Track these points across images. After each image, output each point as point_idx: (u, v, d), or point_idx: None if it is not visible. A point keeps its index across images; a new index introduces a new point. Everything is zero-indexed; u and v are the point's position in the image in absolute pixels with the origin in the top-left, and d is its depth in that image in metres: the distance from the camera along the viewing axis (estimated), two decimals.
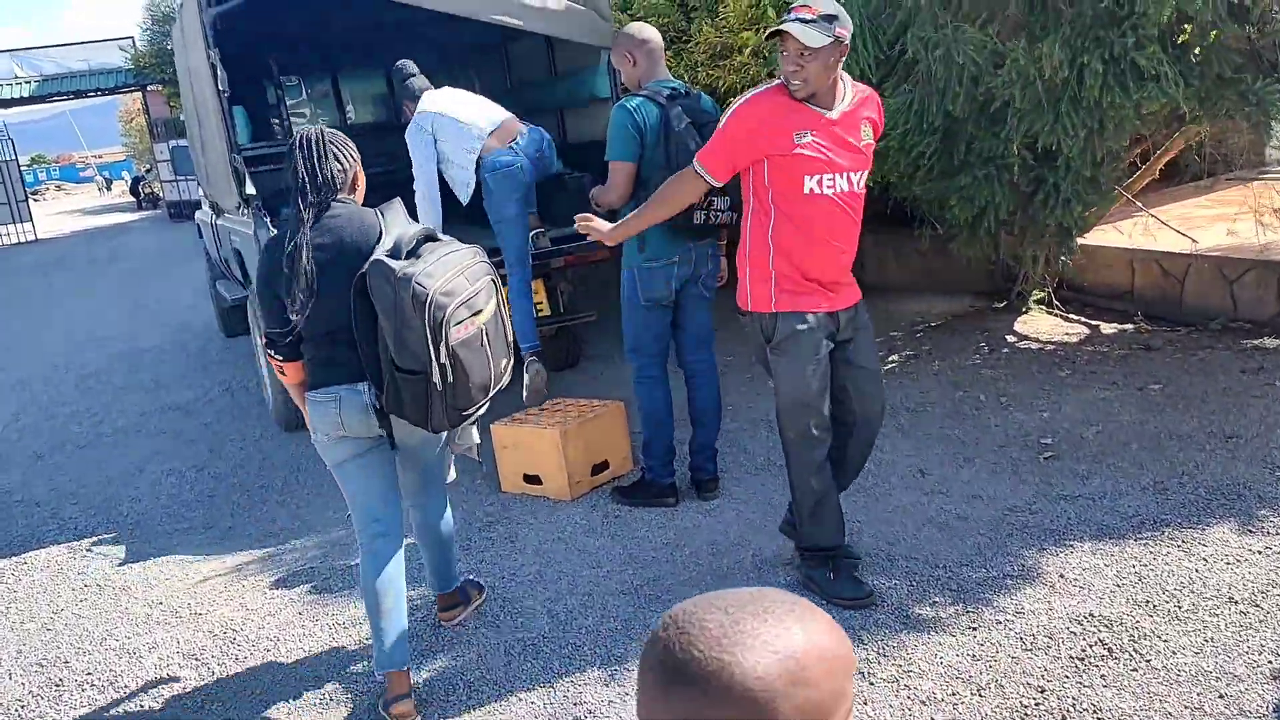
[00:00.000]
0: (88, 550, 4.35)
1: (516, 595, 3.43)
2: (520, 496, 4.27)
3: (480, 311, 2.67)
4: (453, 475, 3.18)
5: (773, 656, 0.83)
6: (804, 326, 2.95)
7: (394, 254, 2.61)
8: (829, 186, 2.89)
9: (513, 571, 3.61)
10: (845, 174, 2.90)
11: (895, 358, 5.49)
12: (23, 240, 21.82)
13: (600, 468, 4.27)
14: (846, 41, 2.78)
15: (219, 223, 6.17)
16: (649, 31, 3.81)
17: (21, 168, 24.65)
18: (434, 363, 2.55)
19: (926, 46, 3.97)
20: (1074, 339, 5.41)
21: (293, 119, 6.98)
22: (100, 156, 54.13)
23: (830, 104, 2.87)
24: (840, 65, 2.83)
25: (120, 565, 4.15)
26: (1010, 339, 5.56)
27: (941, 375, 5.07)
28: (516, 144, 4.54)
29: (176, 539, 4.35)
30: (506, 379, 2.84)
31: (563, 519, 3.99)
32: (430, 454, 3.01)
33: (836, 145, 2.88)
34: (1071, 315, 5.82)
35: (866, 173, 2.98)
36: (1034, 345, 5.38)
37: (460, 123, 4.50)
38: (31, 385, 7.56)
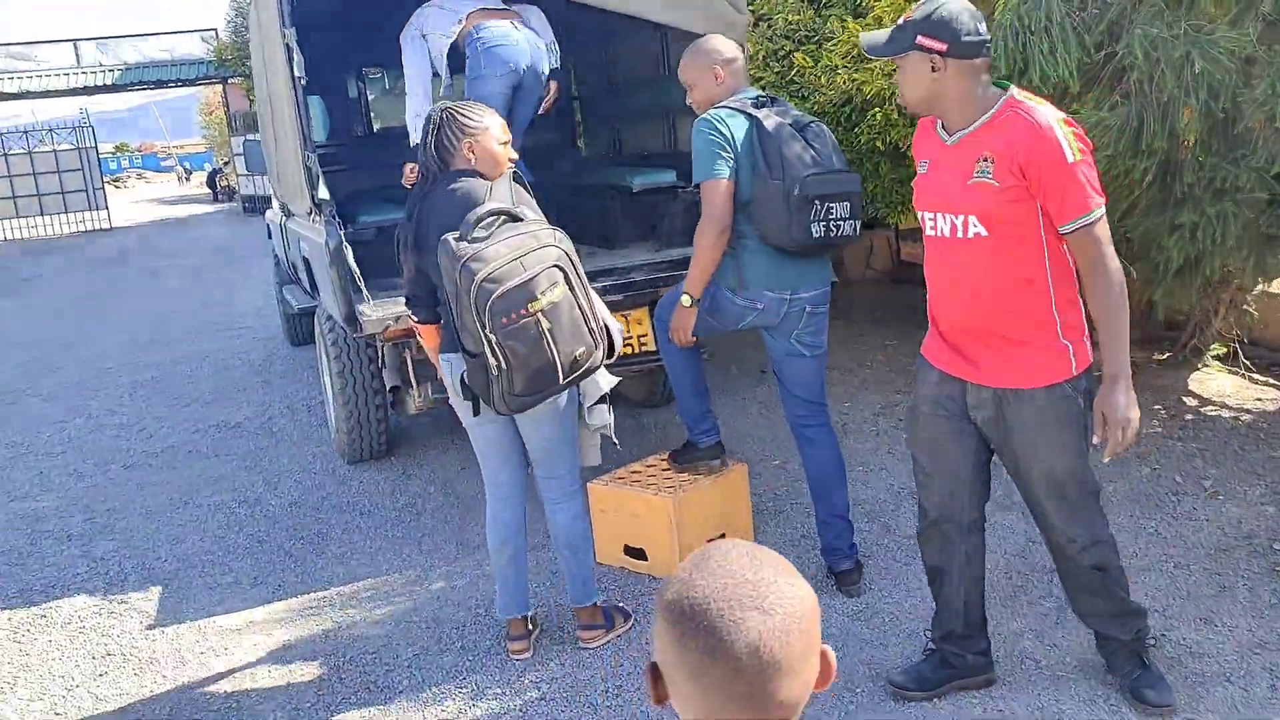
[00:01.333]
0: (117, 604, 3.75)
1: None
2: (619, 571, 3.58)
3: (536, 299, 2.62)
4: (596, 459, 3.17)
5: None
6: (921, 373, 2.66)
7: (463, 232, 2.63)
8: (932, 226, 2.50)
9: (585, 680, 2.91)
10: (945, 215, 2.44)
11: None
12: (98, 227, 21.86)
13: None
14: (938, 50, 2.31)
15: (288, 225, 5.59)
16: (734, 49, 3.31)
17: (103, 155, 24.93)
18: (484, 347, 2.61)
19: (1153, 49, 3.19)
20: (1271, 405, 4.56)
21: (373, 116, 6.40)
22: (181, 147, 55.07)
23: (955, 128, 2.41)
24: (970, 80, 2.34)
25: (150, 629, 3.54)
26: (1190, 402, 4.72)
27: None
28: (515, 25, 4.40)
29: (217, 596, 3.73)
30: (592, 363, 2.78)
31: None
32: (544, 434, 2.96)
33: (943, 179, 2.44)
34: (1256, 376, 4.96)
35: (978, 219, 2.37)
36: (1223, 412, 4.53)
37: (442, 8, 4.39)
38: (84, 389, 7.09)
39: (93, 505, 4.79)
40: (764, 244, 3.17)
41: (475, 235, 2.63)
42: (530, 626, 3.14)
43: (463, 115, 2.85)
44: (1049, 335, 2.39)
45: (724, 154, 3.09)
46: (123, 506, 4.74)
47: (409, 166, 4.49)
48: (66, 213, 21.99)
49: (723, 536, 3.57)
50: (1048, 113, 2.31)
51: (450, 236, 2.63)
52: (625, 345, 4.04)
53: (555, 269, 2.68)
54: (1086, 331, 2.43)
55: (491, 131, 2.87)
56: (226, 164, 28.04)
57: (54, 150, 22.58)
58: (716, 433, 3.69)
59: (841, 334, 6.39)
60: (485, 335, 2.60)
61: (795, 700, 0.96)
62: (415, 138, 4.30)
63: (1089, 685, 2.72)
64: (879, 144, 4.74)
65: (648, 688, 1.01)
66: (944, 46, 2.29)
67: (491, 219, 2.68)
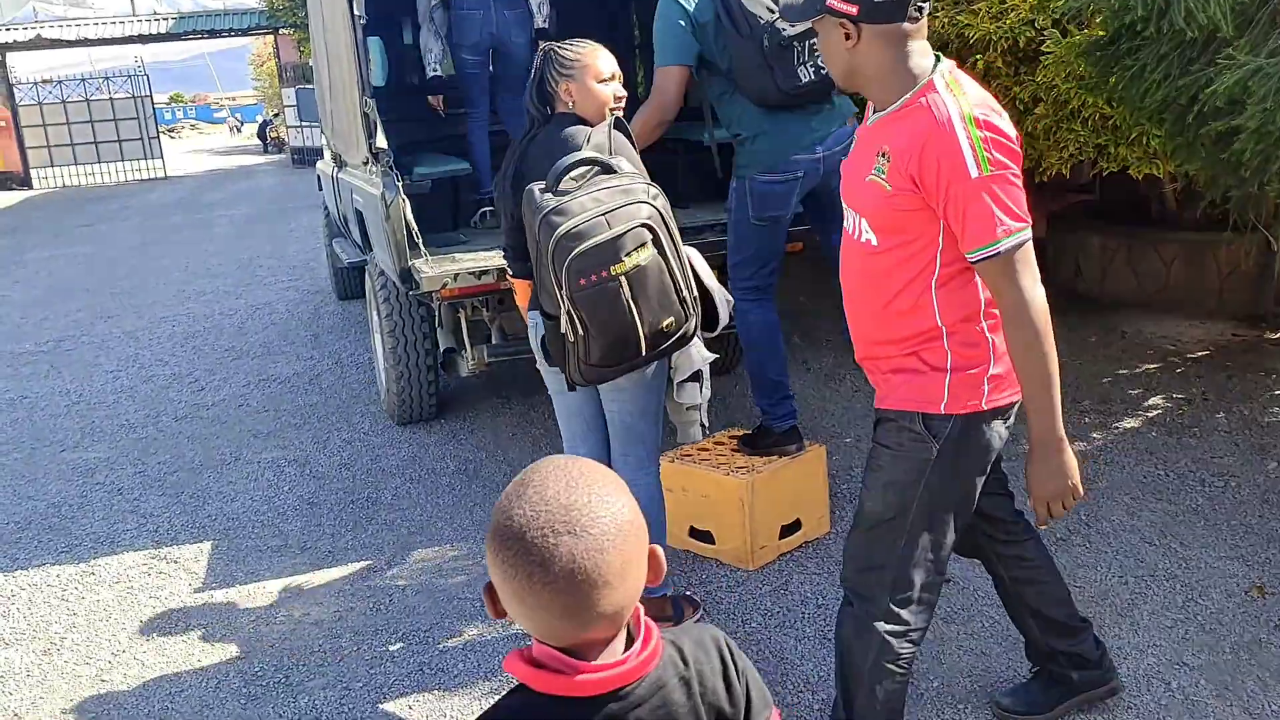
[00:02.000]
0: (167, 563, 3.62)
1: None
2: (683, 554, 3.36)
3: (620, 261, 2.36)
4: (697, 435, 2.95)
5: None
6: None
7: (551, 181, 2.41)
8: (845, 217, 2.09)
9: None
10: (848, 209, 2.06)
11: (1158, 400, 4.36)
12: (153, 176, 21.97)
13: (791, 528, 3.32)
14: (848, 14, 1.86)
15: (340, 176, 5.39)
16: None
17: (158, 106, 24.99)
18: (561, 311, 2.40)
19: None
20: None
21: (439, 63, 6.15)
22: (234, 99, 55.35)
23: (877, 108, 1.98)
24: (891, 50, 1.88)
25: (198, 591, 3.40)
26: None
27: (1237, 436, 3.94)
28: None
29: (267, 560, 3.58)
30: (683, 335, 2.53)
31: (740, 598, 3.06)
32: (625, 406, 2.72)
33: (851, 166, 2.05)
34: None
35: (868, 224, 1.97)
36: None
37: None
38: (137, 339, 7.00)
39: (144, 458, 4.68)
40: (767, 112, 3.14)
41: (562, 187, 2.40)
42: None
43: (561, 53, 2.63)
44: (927, 365, 1.96)
45: (682, 38, 3.11)
46: (173, 460, 4.62)
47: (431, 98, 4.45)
48: (122, 161, 22.12)
49: (797, 522, 3.34)
50: (960, 106, 1.81)
51: (535, 187, 2.42)
52: None
53: (643, 228, 2.40)
54: (996, 374, 1.97)
55: (593, 69, 2.62)
56: (277, 116, 28.01)
57: (110, 99, 22.68)
58: (794, 416, 3.46)
59: None
60: (562, 296, 2.38)
61: (620, 607, 1.03)
62: (428, 70, 4.97)
63: (1222, 706, 2.46)
64: None
65: (487, 606, 1.07)
66: (854, 9, 1.85)
67: (583, 170, 2.43)
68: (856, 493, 3.71)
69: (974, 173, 1.77)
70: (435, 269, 3.56)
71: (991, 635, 2.80)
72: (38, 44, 21.63)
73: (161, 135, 24.05)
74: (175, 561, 3.62)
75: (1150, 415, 4.21)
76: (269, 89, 32.43)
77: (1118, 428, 4.12)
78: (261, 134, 30.37)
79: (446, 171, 4.32)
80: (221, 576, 3.49)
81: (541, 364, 2.74)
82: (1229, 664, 2.61)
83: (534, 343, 2.75)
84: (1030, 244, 1.86)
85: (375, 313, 4.66)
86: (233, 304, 7.83)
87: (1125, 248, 5.87)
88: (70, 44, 22.76)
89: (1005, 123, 1.85)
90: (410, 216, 3.60)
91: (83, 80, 23.64)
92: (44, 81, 22.98)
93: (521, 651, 1.05)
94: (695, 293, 2.56)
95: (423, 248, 3.60)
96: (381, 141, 3.59)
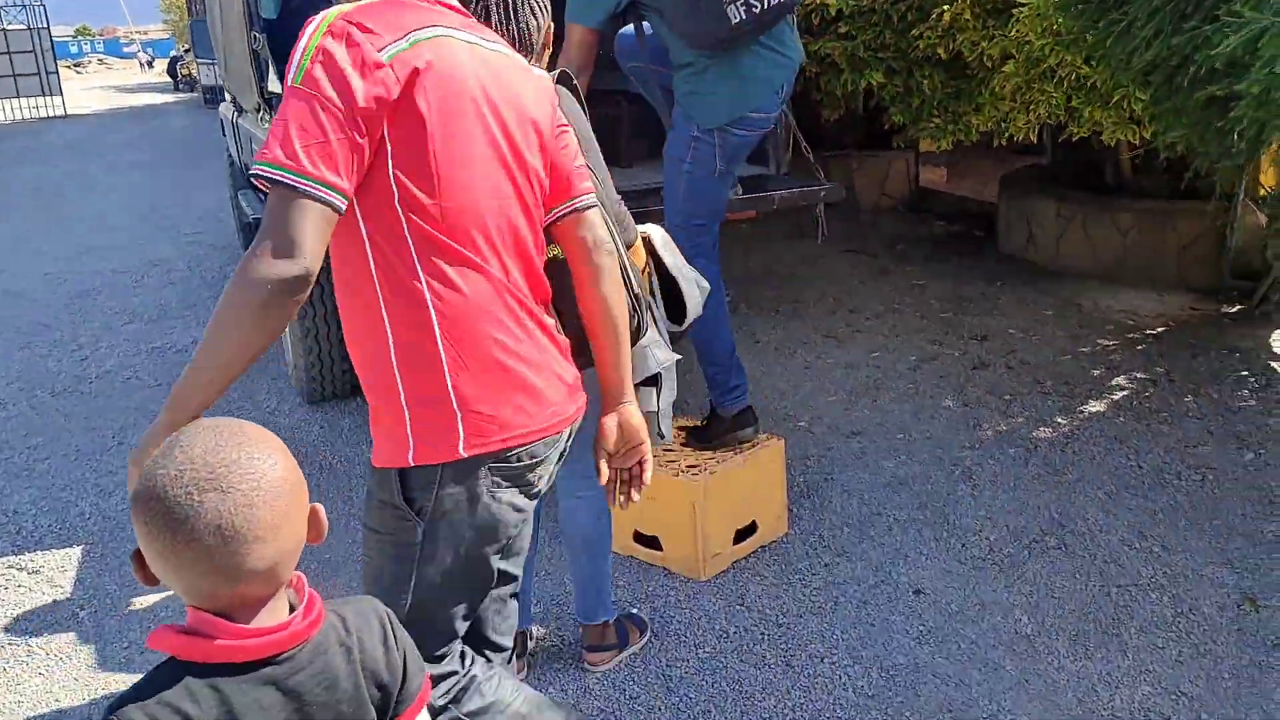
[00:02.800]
0: (26, 573, 3.15)
1: None
2: (627, 561, 3.01)
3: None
4: (665, 436, 2.31)
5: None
6: None
7: None
8: None
9: (592, 712, 2.36)
10: None
11: (1123, 381, 4.12)
12: (51, 114, 20.59)
13: (746, 532, 2.99)
14: None
15: (240, 123, 4.84)
16: None
17: (62, 39, 23.44)
18: None
19: None
20: None
21: None
22: (145, 33, 52.69)
23: None
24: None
25: (62, 607, 2.95)
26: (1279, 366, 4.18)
27: (1210, 422, 3.71)
28: None
29: None
30: (633, 332, 2.01)
31: (691, 616, 2.73)
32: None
33: None
34: None
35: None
36: None
37: None
38: (20, 300, 6.35)
39: (13, 441, 4.15)
40: (710, 59, 2.91)
41: None
42: (528, 641, 2.57)
43: None
44: (391, 397, 1.50)
45: None
46: (47, 444, 4.11)
47: None
48: (18, 97, 20.65)
49: (753, 524, 3.01)
50: (332, 10, 1.41)
51: None
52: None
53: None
54: (452, 408, 1.48)
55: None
56: (188, 51, 26.53)
57: (2, 30, 21.12)
58: (745, 393, 3.12)
59: (862, 271, 5.78)
60: None
61: (273, 563, 1.02)
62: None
63: None
64: (941, 51, 4.05)
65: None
66: None
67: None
68: (815, 485, 3.41)
69: (289, 79, 1.36)
70: None
71: (970, 659, 2.52)
72: None
73: (67, 70, 22.58)
74: (37, 572, 3.15)
75: (1116, 398, 3.97)
76: (180, 23, 30.71)
77: (1083, 412, 3.87)
78: (172, 71, 28.80)
79: None
80: (91, 590, 3.03)
81: None
82: (1229, 692, 2.37)
83: None
84: (291, 206, 1.32)
85: None
86: (129, 259, 7.18)
87: (1080, 216, 5.63)
88: None
89: (377, 45, 1.37)
90: None
91: None
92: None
93: (171, 625, 1.02)
94: (645, 286, 2.13)
95: None
96: (275, 84, 3.09)
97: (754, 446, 3.04)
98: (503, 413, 1.51)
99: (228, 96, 5.33)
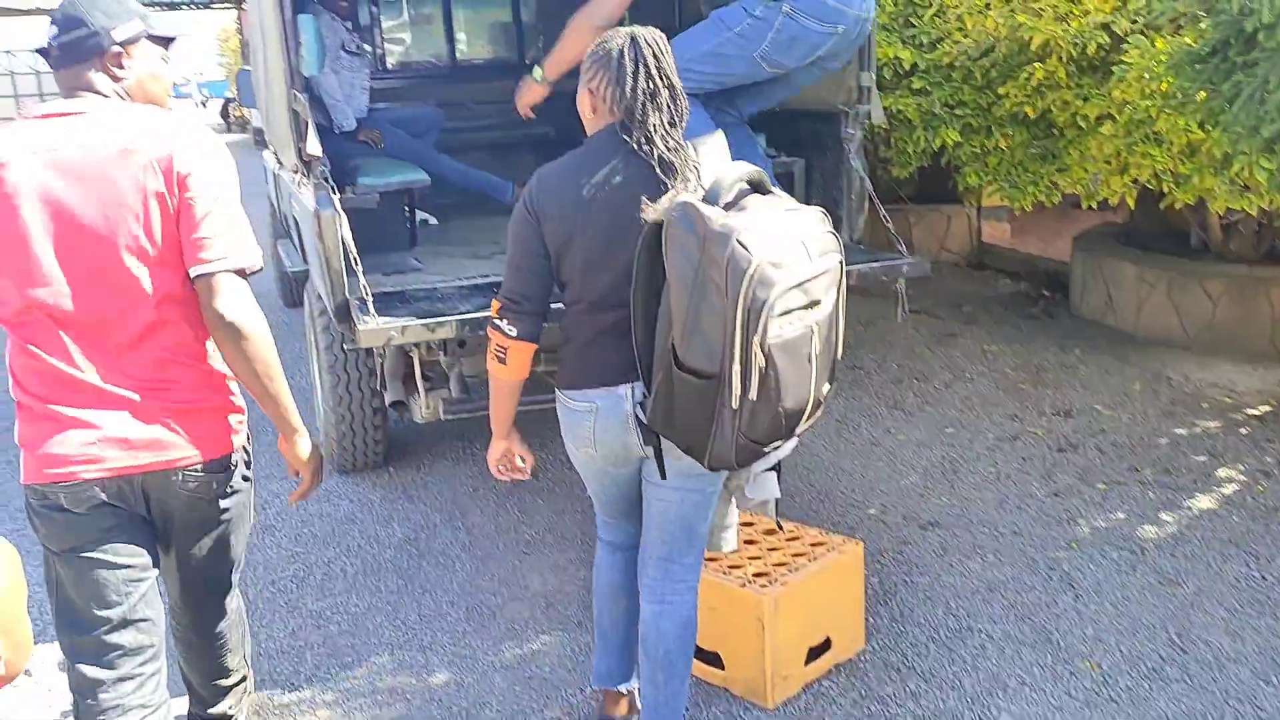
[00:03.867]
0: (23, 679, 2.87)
1: None
2: None
3: (818, 303, 1.87)
4: (732, 545, 2.31)
5: None
6: None
7: (710, 198, 1.88)
8: None
9: None
10: None
11: (1230, 472, 3.72)
12: None
13: (820, 649, 2.65)
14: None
15: (280, 173, 4.64)
16: None
17: None
18: (734, 364, 1.80)
19: None
20: None
21: (389, 46, 5.39)
22: (201, 74, 53.89)
23: None
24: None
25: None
26: None
27: None
28: None
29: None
30: (821, 413, 1.99)
31: None
32: (690, 498, 2.12)
33: None
34: None
35: None
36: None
37: None
38: None
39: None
40: None
41: (733, 205, 1.87)
42: (630, 711, 2.34)
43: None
44: None
45: None
46: None
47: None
48: None
49: (827, 641, 2.66)
50: None
51: (694, 201, 1.83)
52: None
53: (837, 273, 1.92)
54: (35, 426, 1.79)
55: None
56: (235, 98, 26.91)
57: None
58: None
59: (926, 334, 5.43)
60: (752, 344, 1.76)
61: None
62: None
63: None
64: (1029, 109, 3.73)
65: None
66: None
67: (740, 189, 1.89)
68: (892, 588, 3.06)
69: None
70: (376, 317, 2.82)
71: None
72: None
73: None
74: (26, 673, 2.87)
75: (1225, 491, 3.58)
76: (235, 65, 31.23)
77: (1189, 507, 3.49)
78: (224, 112, 29.20)
79: (399, 182, 3.59)
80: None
81: (575, 448, 2.15)
82: None
83: (578, 433, 2.10)
84: None
85: (314, 342, 3.92)
86: None
87: (1165, 280, 5.25)
88: (25, 13, 21.56)
89: None
90: (349, 241, 2.87)
91: (39, 51, 22.40)
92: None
93: None
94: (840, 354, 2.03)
95: (363, 282, 2.87)
96: (315, 148, 2.85)
97: (829, 550, 2.71)
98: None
99: (270, 146, 5.15)
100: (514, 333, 2.05)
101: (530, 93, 3.21)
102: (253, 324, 1.82)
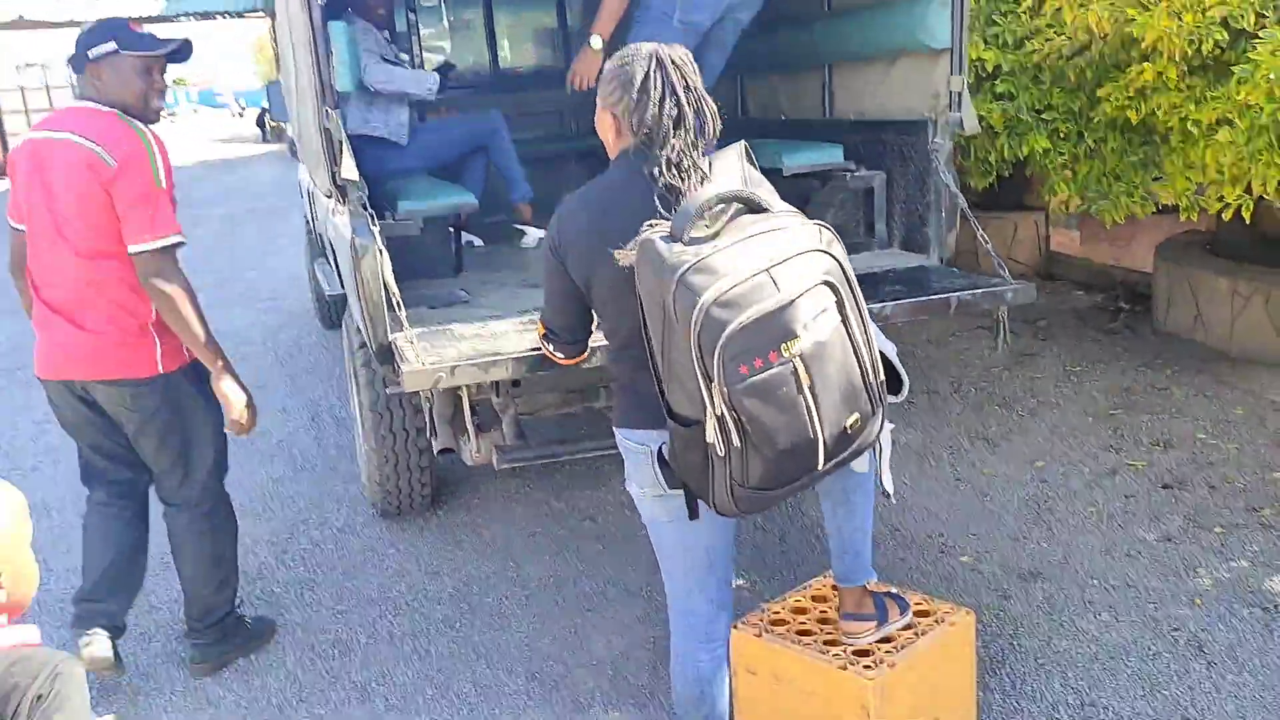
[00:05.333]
0: None
1: None
2: None
3: (794, 336, 1.65)
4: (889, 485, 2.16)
5: None
6: None
7: (676, 229, 1.69)
8: None
9: None
10: None
11: None
12: None
13: None
14: None
15: (315, 192, 4.39)
16: None
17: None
18: (710, 411, 1.65)
19: None
20: None
21: (427, 56, 5.13)
22: (237, 85, 54.42)
23: None
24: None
25: None
26: None
27: None
28: None
29: None
30: (866, 438, 1.80)
31: None
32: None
33: None
34: None
35: None
36: None
37: None
38: None
39: (52, 559, 3.68)
40: None
41: (695, 234, 1.68)
42: None
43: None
44: None
45: None
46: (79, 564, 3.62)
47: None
48: None
49: None
50: None
51: (655, 234, 1.70)
52: None
53: (825, 287, 1.69)
54: None
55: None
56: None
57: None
58: None
59: (1002, 352, 5.07)
60: (713, 393, 1.64)
61: None
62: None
63: None
64: (1131, 114, 3.39)
65: None
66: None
67: (721, 207, 1.72)
68: (1000, 655, 2.73)
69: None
70: (421, 358, 2.54)
71: None
72: (20, 24, 20.56)
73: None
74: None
75: None
76: (271, 74, 31.40)
77: None
78: (260, 122, 29.29)
79: (444, 207, 3.32)
80: None
81: (641, 490, 2.00)
82: None
83: (642, 473, 1.97)
84: None
85: (353, 378, 3.66)
86: None
87: (1262, 293, 4.86)
88: (56, 25, 21.70)
89: None
90: (389, 276, 2.60)
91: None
92: (27, 65, 21.98)
93: None
94: (882, 375, 1.81)
95: (404, 319, 2.60)
96: (350, 170, 2.58)
97: (937, 621, 2.39)
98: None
99: (304, 164, 4.91)
100: (561, 356, 2.14)
101: (588, 63, 3.30)
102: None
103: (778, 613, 2.47)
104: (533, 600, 3.18)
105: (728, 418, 1.65)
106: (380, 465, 3.55)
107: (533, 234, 4.22)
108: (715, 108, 1.86)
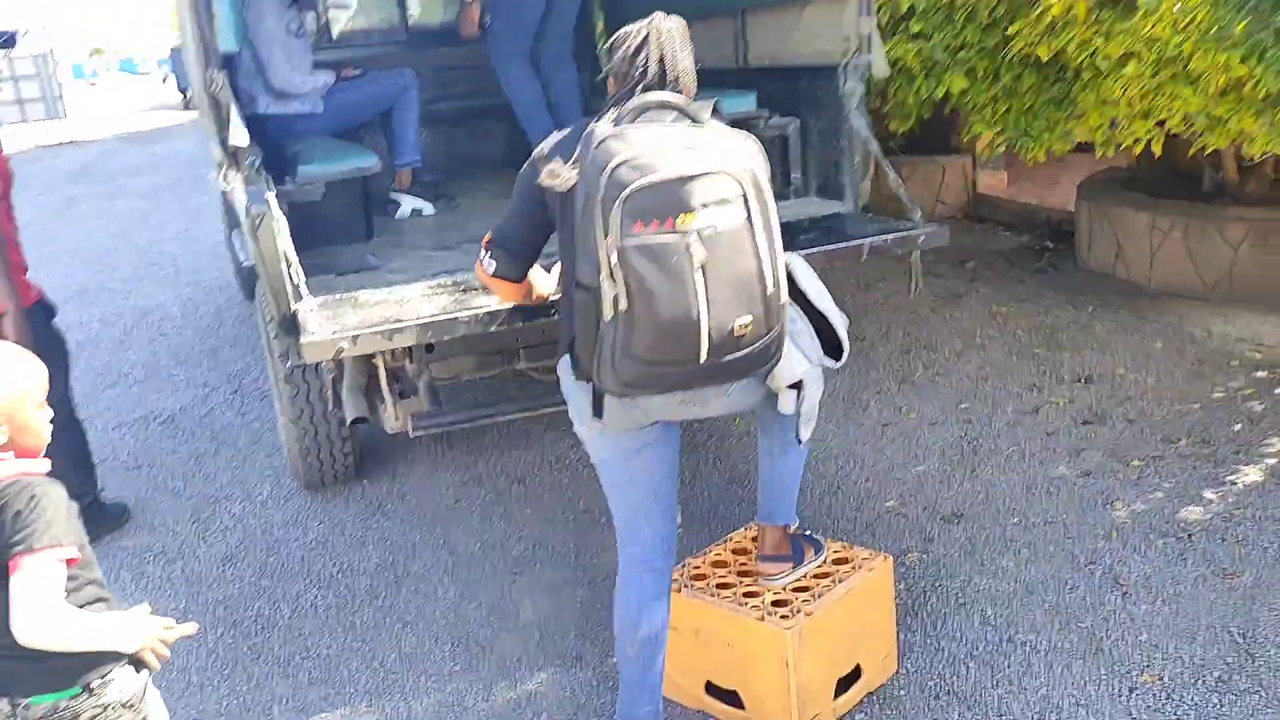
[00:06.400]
0: None
1: None
2: (696, 717, 2.38)
3: (690, 210, 1.79)
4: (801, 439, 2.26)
5: None
6: None
7: (619, 117, 1.92)
8: None
9: None
10: None
11: (1272, 437, 3.43)
12: (59, 141, 20.19)
13: (850, 679, 2.35)
14: None
15: None
16: None
17: (77, 61, 23.26)
18: (605, 268, 1.79)
19: None
20: None
21: (333, 13, 4.95)
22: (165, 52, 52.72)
23: None
24: None
25: None
26: None
27: None
28: None
29: None
30: (764, 351, 1.93)
31: None
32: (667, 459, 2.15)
33: None
34: None
35: None
36: None
37: None
38: None
39: None
40: None
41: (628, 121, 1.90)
42: None
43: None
44: None
45: None
46: None
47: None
48: (25, 123, 20.29)
49: (857, 669, 2.36)
50: None
51: (596, 121, 1.92)
52: None
53: (728, 179, 1.82)
54: None
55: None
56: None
57: (8, 55, 20.76)
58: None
59: (929, 295, 5.10)
60: (607, 250, 1.78)
61: None
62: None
63: None
64: (1042, 51, 3.38)
65: None
66: None
67: (661, 110, 1.92)
68: (921, 595, 2.77)
69: None
70: (323, 327, 2.47)
71: None
72: None
73: (82, 89, 22.33)
74: None
75: (1270, 462, 3.29)
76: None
77: (1234, 483, 3.20)
78: (182, 88, 28.38)
79: (344, 170, 3.21)
80: None
81: (583, 427, 2.11)
82: None
83: (580, 406, 2.08)
84: None
85: (268, 346, 3.56)
86: (119, 306, 6.60)
87: (1180, 228, 4.93)
88: None
89: None
90: (288, 244, 2.51)
91: None
92: None
93: None
94: (785, 297, 1.94)
95: (303, 288, 2.51)
96: (240, 136, 2.47)
97: (855, 568, 2.40)
98: None
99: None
100: (493, 272, 2.15)
101: (470, 12, 3.71)
102: None
103: (698, 567, 2.47)
104: (459, 567, 3.14)
105: (618, 276, 1.78)
106: (299, 438, 3.47)
107: (407, 204, 4.06)
108: (693, 73, 2.02)
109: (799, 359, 2.11)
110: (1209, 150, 3.37)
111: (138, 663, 1.67)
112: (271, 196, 2.55)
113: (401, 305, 2.64)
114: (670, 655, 2.40)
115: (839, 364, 2.20)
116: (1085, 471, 3.35)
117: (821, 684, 2.27)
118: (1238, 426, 3.54)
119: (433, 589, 3.04)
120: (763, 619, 2.22)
